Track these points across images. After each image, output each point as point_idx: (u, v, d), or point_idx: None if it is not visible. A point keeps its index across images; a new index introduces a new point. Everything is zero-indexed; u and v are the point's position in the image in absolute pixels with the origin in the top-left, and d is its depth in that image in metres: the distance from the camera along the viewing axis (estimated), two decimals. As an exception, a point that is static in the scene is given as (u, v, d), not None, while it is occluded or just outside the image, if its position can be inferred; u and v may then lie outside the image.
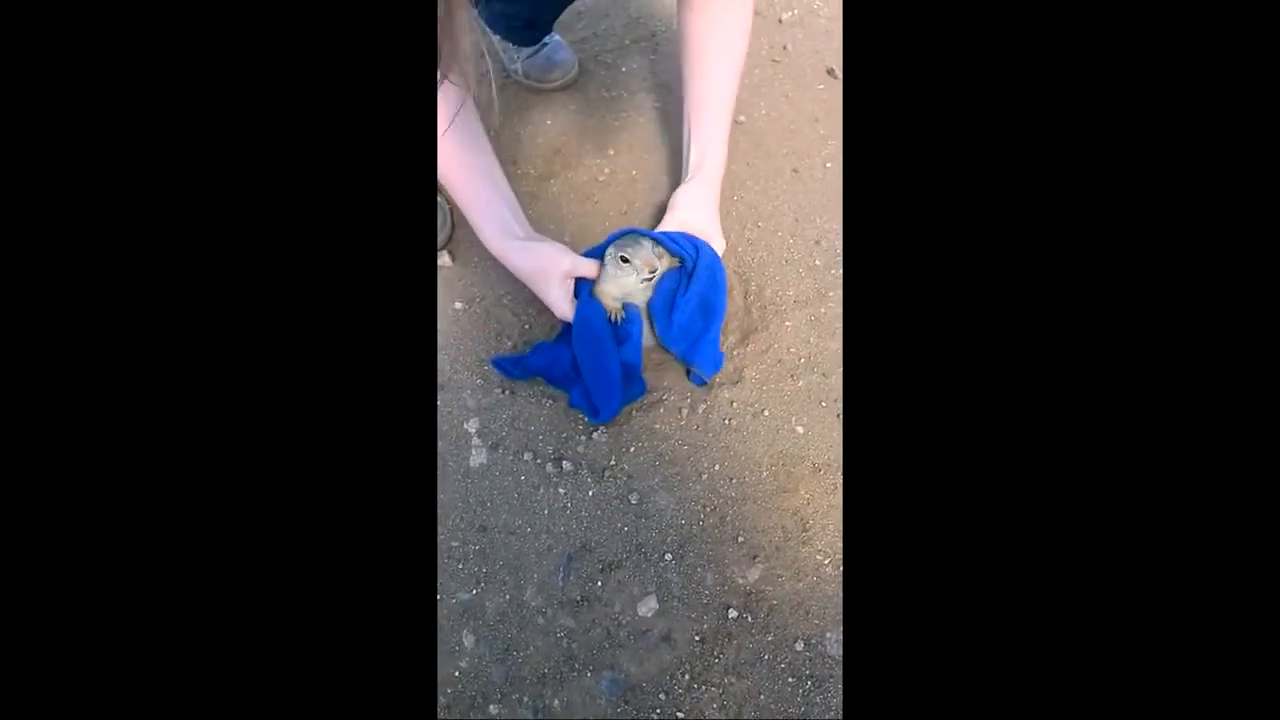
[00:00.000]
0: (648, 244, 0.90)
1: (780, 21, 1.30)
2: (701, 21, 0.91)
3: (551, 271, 0.90)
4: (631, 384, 0.92)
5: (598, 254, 0.93)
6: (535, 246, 0.92)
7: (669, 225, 0.96)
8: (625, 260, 0.89)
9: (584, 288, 0.92)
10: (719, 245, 0.97)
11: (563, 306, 0.91)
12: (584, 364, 0.90)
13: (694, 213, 0.95)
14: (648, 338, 0.94)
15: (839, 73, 1.23)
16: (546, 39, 1.19)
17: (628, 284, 0.90)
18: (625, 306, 0.92)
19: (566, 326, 0.92)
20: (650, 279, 0.90)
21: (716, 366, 0.94)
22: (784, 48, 1.27)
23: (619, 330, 0.91)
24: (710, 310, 0.93)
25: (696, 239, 0.94)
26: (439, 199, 1.08)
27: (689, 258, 0.92)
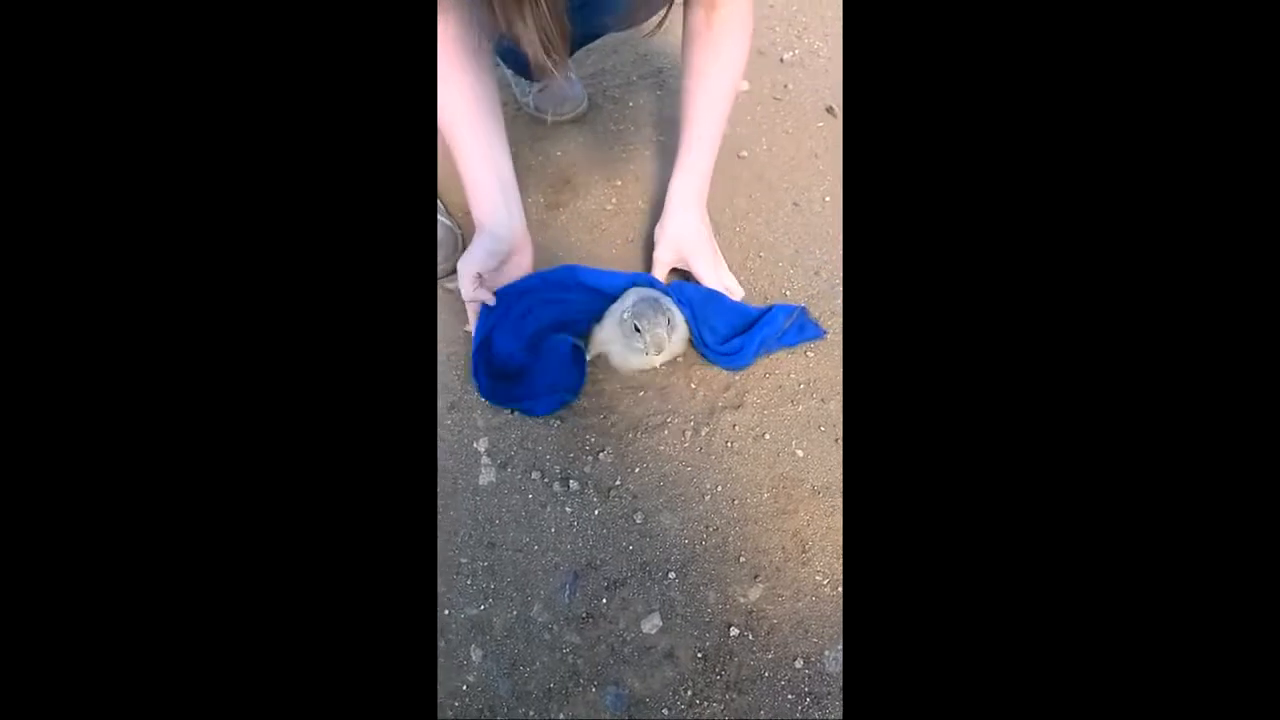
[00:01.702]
0: (663, 319, 0.94)
1: (782, 61, 1.36)
2: (706, 54, 0.97)
3: (469, 270, 0.93)
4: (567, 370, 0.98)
5: (614, 287, 0.98)
6: (495, 247, 0.94)
7: (661, 245, 1.02)
8: (637, 330, 0.93)
9: (488, 321, 0.96)
10: (707, 254, 1.02)
11: (466, 290, 0.93)
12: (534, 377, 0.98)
13: (684, 215, 1.02)
14: (677, 345, 0.98)
15: (838, 111, 1.28)
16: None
17: (636, 361, 0.97)
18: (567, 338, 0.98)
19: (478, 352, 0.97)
20: (654, 357, 0.96)
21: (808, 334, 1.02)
22: (785, 86, 1.32)
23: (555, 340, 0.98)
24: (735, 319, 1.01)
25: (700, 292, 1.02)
26: (451, 223, 1.11)
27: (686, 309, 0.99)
